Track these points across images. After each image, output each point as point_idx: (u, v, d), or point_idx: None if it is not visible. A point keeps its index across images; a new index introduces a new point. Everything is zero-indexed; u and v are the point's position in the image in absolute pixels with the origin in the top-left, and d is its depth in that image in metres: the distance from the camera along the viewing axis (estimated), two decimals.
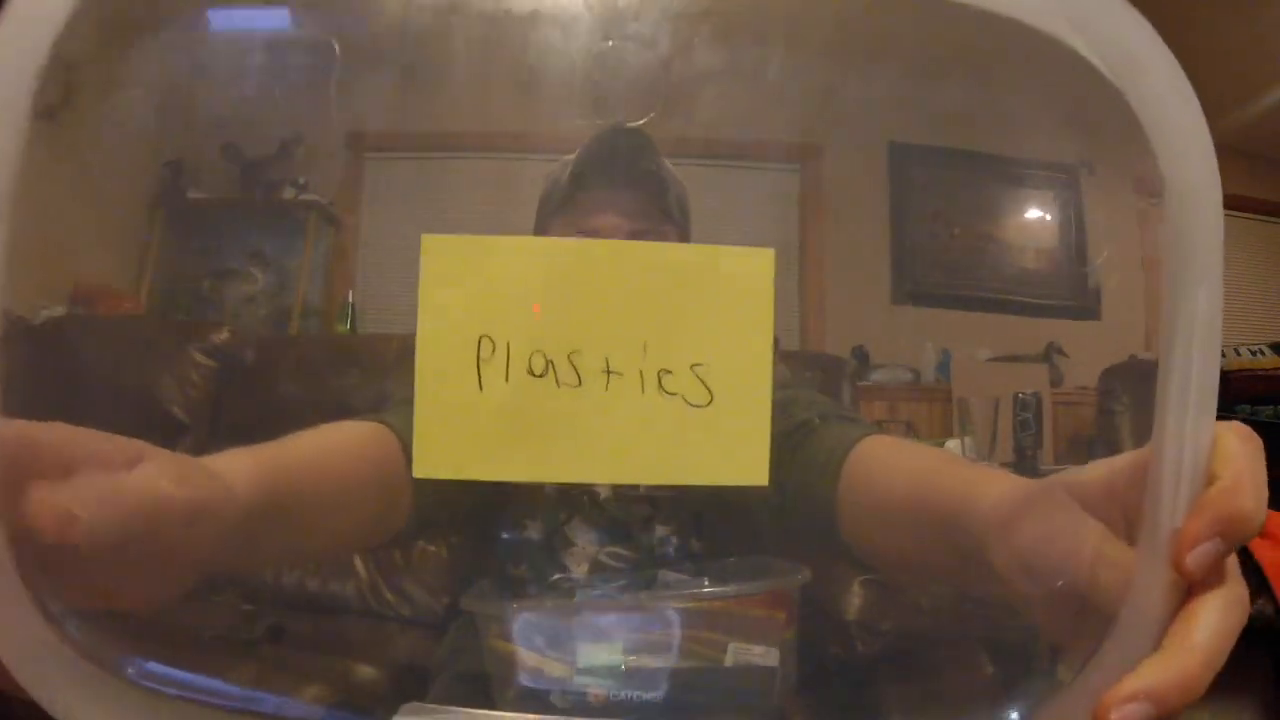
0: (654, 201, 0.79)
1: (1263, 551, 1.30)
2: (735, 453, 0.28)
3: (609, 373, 0.27)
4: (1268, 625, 1.25)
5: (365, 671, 1.09)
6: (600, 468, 0.28)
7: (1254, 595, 1.27)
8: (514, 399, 0.28)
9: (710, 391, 0.27)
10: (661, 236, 0.79)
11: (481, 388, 0.28)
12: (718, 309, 0.27)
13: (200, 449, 1.68)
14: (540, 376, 0.27)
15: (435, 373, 0.28)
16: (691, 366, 0.27)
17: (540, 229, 0.83)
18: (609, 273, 0.28)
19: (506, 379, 0.28)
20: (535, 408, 0.28)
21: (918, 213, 4.10)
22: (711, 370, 0.27)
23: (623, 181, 0.80)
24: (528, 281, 0.27)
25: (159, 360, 1.63)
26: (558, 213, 0.80)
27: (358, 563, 1.45)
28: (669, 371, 0.27)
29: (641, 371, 0.27)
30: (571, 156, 0.84)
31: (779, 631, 0.67)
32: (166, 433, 1.59)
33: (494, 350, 0.29)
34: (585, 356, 0.27)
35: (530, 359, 0.28)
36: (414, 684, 1.06)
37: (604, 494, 0.84)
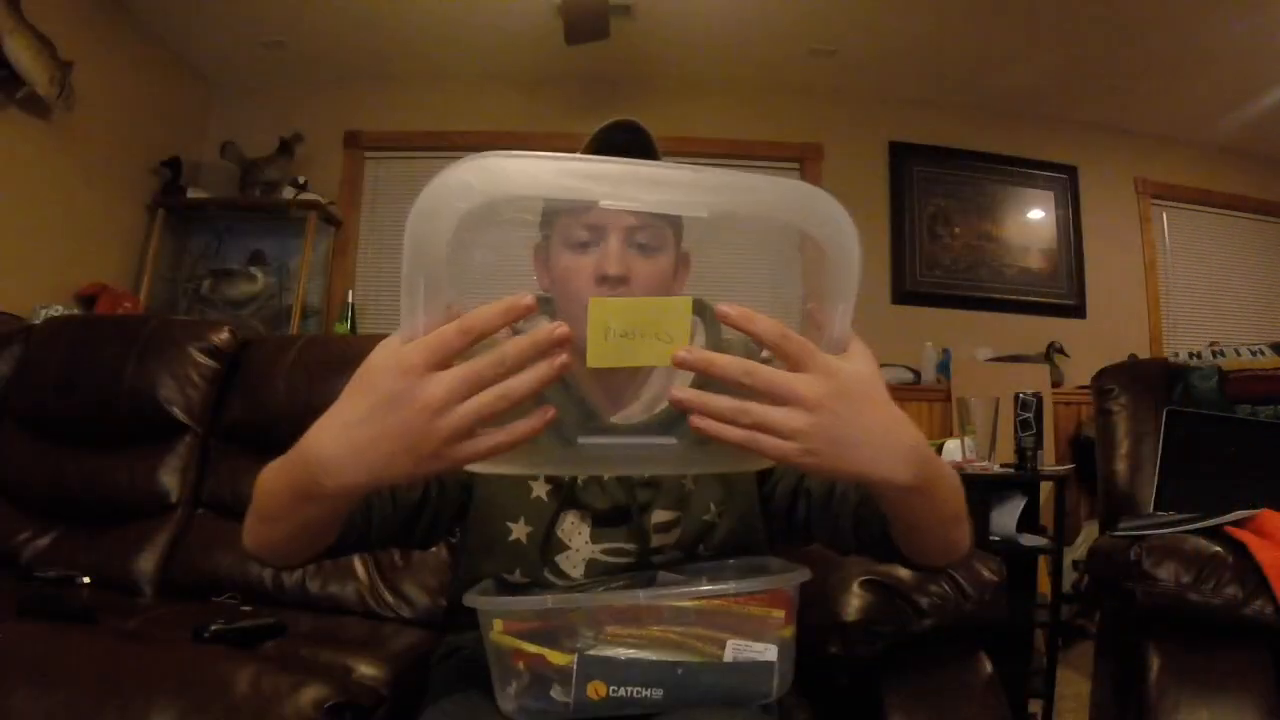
0: None
1: (1263, 552, 1.30)
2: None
3: None
4: (1268, 625, 1.24)
5: (365, 670, 1.09)
6: None
7: (1253, 595, 1.27)
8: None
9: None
10: (658, 230, 0.80)
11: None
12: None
13: (200, 448, 1.69)
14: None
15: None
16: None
17: (546, 223, 0.84)
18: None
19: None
20: None
21: (918, 213, 4.13)
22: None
23: None
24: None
25: (159, 360, 1.63)
26: (562, 208, 0.79)
27: (357, 565, 1.45)
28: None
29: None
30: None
31: (777, 629, 0.67)
32: (166, 432, 1.59)
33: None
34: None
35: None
36: (413, 682, 1.06)
37: (607, 474, 0.84)
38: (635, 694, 0.65)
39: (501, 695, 0.68)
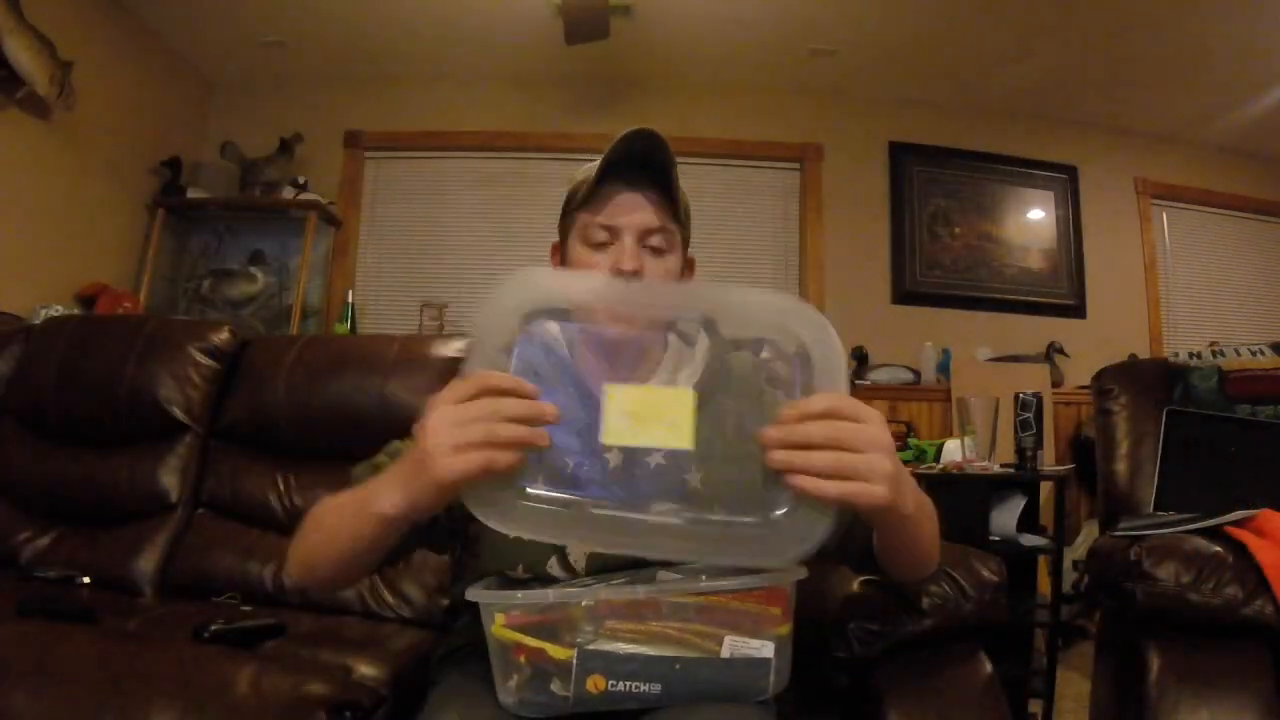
0: (667, 202, 0.86)
1: (1263, 553, 1.30)
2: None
3: None
4: (1268, 625, 1.24)
5: (365, 670, 1.09)
6: None
7: (1253, 595, 1.27)
8: None
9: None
10: (669, 235, 0.86)
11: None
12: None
13: (200, 448, 1.69)
14: None
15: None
16: None
17: (565, 224, 0.90)
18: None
19: None
20: None
21: (918, 213, 4.13)
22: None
23: (643, 180, 0.85)
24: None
25: (159, 360, 1.63)
26: (583, 207, 0.86)
27: None
28: None
29: None
30: (594, 161, 0.88)
31: (774, 626, 0.68)
32: (166, 432, 1.59)
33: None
34: None
35: None
36: (413, 682, 1.06)
37: (613, 463, 0.85)
38: (634, 688, 0.66)
39: (502, 689, 0.69)
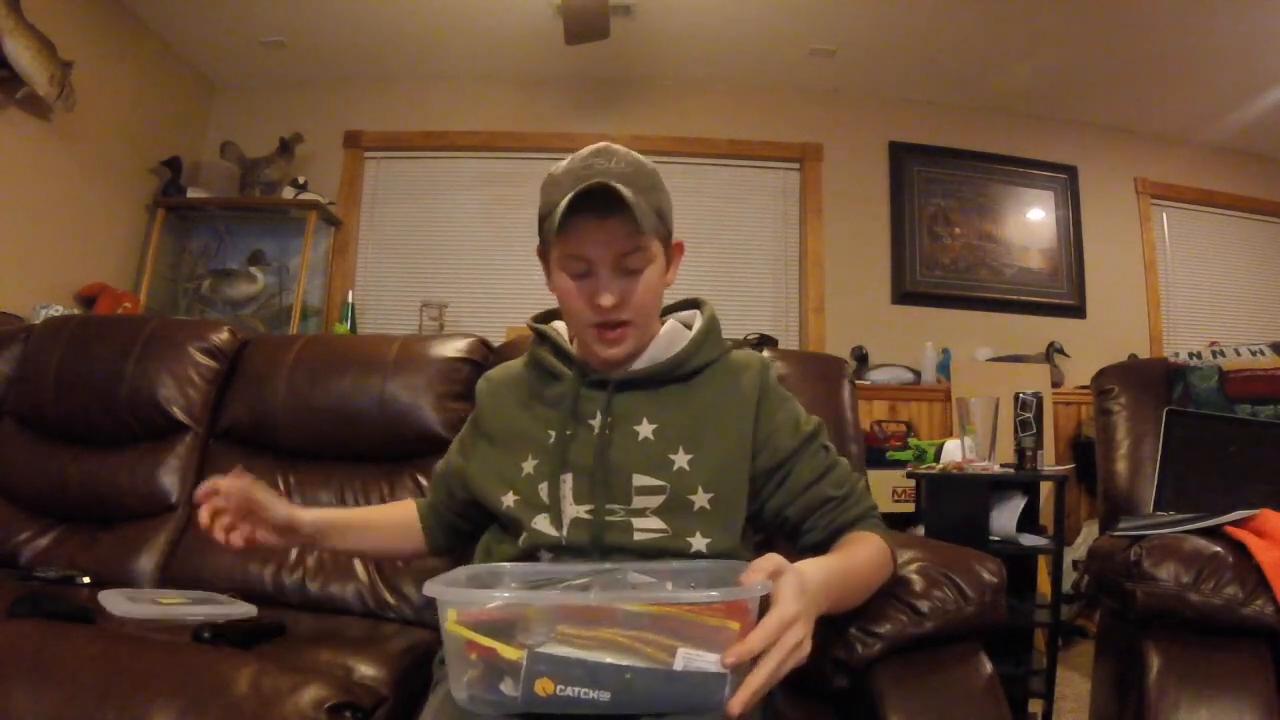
0: (631, 227, 0.84)
1: (1263, 552, 1.30)
2: None
3: None
4: (1268, 625, 1.24)
5: (365, 670, 1.09)
6: None
7: (1253, 595, 1.27)
8: None
9: None
10: (642, 252, 0.87)
11: None
12: None
13: (200, 448, 1.70)
14: None
15: None
16: None
17: (545, 242, 0.90)
18: None
19: None
20: None
21: (918, 213, 4.12)
22: None
23: (603, 215, 0.84)
24: None
25: (159, 360, 1.63)
26: (556, 242, 0.86)
27: (357, 565, 1.45)
28: None
29: None
30: (559, 171, 0.88)
31: (731, 641, 0.64)
32: (166, 432, 1.60)
33: None
34: None
35: None
36: (414, 681, 1.06)
37: (643, 434, 0.89)
38: (582, 694, 0.64)
39: (456, 684, 0.68)
